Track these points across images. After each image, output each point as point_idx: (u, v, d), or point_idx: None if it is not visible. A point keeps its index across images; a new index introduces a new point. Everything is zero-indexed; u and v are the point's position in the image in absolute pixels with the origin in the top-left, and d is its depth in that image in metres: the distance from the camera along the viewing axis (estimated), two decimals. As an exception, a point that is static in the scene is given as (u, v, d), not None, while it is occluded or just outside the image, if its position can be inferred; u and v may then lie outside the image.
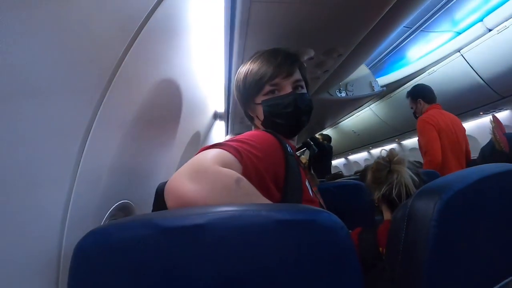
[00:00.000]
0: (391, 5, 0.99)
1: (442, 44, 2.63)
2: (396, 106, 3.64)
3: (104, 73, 0.75)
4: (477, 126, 3.32)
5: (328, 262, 0.39)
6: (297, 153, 0.93)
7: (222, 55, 1.38)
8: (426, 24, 2.30)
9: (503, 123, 1.72)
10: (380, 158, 0.95)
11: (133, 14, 0.77)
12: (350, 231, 0.42)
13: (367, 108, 4.16)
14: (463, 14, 2.26)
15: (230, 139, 0.64)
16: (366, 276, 0.42)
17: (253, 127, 0.92)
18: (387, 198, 0.90)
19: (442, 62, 2.73)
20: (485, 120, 3.18)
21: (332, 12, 1.03)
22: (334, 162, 7.31)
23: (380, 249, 0.83)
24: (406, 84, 3.19)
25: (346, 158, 7.30)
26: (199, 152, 0.59)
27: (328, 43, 1.27)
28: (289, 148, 0.71)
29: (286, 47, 0.85)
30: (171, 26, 1.00)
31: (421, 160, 2.14)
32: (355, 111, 4.30)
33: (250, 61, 0.83)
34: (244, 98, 0.85)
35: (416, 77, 3.06)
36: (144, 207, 1.32)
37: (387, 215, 0.94)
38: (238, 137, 0.65)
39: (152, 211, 1.25)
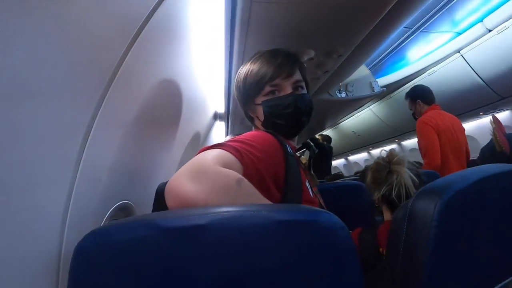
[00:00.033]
0: (391, 6, 0.99)
1: (442, 45, 2.64)
2: (396, 107, 3.65)
3: (105, 73, 0.75)
4: (477, 127, 3.32)
5: (329, 263, 0.39)
6: (297, 153, 0.93)
7: (222, 56, 1.38)
8: (426, 24, 2.30)
9: (503, 124, 1.72)
10: (380, 158, 0.95)
11: (133, 15, 0.77)
12: (350, 231, 0.41)
13: (367, 108, 4.17)
14: (463, 15, 2.26)
15: (230, 140, 0.64)
16: (367, 277, 0.42)
17: (253, 128, 0.92)
18: (386, 199, 0.90)
19: (442, 63, 2.73)
20: (485, 121, 3.18)
21: (332, 13, 1.03)
22: (334, 163, 7.30)
23: (381, 249, 0.83)
24: (406, 85, 3.19)
25: (346, 159, 7.31)
26: (199, 153, 0.59)
27: (328, 44, 1.28)
28: (289, 149, 0.71)
29: (287, 47, 0.85)
30: (172, 26, 1.00)
31: (421, 161, 2.14)
32: (355, 112, 4.31)
33: (250, 61, 0.83)
34: (244, 99, 0.85)
35: (416, 78, 3.06)
36: (145, 207, 1.32)
37: (387, 215, 0.94)
38: (238, 137, 0.65)
39: (152, 211, 1.25)
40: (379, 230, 0.88)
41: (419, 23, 2.29)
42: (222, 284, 0.37)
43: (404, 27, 2.18)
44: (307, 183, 0.74)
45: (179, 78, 1.27)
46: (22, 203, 0.58)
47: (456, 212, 0.54)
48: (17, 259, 0.58)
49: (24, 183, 0.58)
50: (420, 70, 2.90)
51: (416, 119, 2.22)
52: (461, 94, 2.80)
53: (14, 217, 0.56)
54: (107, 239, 0.39)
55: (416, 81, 3.04)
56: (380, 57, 2.85)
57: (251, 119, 0.89)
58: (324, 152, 4.52)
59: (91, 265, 0.38)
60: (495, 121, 1.65)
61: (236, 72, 0.88)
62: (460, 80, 2.70)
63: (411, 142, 4.53)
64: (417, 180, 0.88)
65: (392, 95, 3.52)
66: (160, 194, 1.30)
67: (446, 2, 2.06)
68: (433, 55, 2.73)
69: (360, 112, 4.38)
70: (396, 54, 2.83)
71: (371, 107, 4.08)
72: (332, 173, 4.29)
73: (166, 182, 0.54)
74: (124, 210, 1.14)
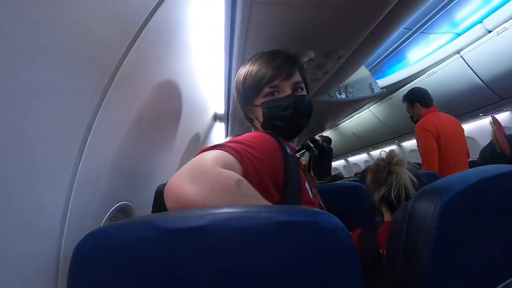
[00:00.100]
0: (391, 7, 0.99)
1: (442, 46, 2.64)
2: (396, 108, 3.65)
3: (104, 73, 0.75)
4: (476, 128, 3.32)
5: (328, 264, 0.39)
6: (296, 154, 0.93)
7: (222, 57, 1.38)
8: (426, 25, 2.31)
9: (503, 125, 1.72)
10: (379, 159, 0.95)
11: (133, 15, 0.77)
12: (350, 232, 0.41)
13: (367, 109, 4.17)
14: (463, 16, 2.27)
15: (230, 140, 0.64)
16: (367, 278, 0.42)
17: (252, 129, 0.92)
18: (386, 199, 0.90)
19: (442, 64, 2.73)
20: (484, 122, 3.18)
21: (332, 14, 1.03)
22: (334, 164, 7.30)
23: (381, 250, 0.83)
24: (406, 86, 3.20)
25: (346, 160, 7.31)
26: (198, 153, 0.59)
27: (328, 45, 1.28)
28: (288, 150, 0.71)
29: (286, 48, 0.85)
30: (172, 27, 1.00)
31: (421, 162, 2.14)
32: (355, 113, 4.30)
33: (250, 62, 0.83)
34: (243, 100, 0.85)
35: (415, 79, 3.07)
36: (144, 208, 1.32)
37: (387, 216, 0.94)
38: (238, 138, 0.65)
39: (152, 212, 1.25)
40: (379, 231, 0.88)
41: (419, 24, 2.30)
42: (221, 286, 0.37)
43: (404, 28, 2.19)
44: (306, 184, 0.74)
45: (179, 79, 1.27)
46: (21, 203, 0.58)
47: (456, 213, 0.53)
48: (17, 259, 0.58)
49: (24, 183, 0.58)
50: (420, 71, 2.90)
51: (414, 122, 2.22)
52: (461, 95, 2.80)
53: (13, 217, 0.56)
54: (106, 239, 0.39)
55: (416, 82, 3.04)
56: (380, 58, 2.86)
57: (251, 120, 0.88)
58: (324, 153, 4.53)
59: (90, 266, 0.38)
60: (495, 122, 1.65)
61: (236, 73, 0.88)
62: (460, 81, 2.71)
63: (411, 143, 4.53)
64: (416, 181, 0.88)
65: (391, 96, 3.53)
66: (159, 195, 1.29)
67: (446, 3, 2.07)
68: (433, 56, 2.74)
69: (360, 113, 4.38)
70: (396, 55, 2.84)
71: (371, 108, 4.08)
72: (332, 174, 4.30)
73: (166, 183, 0.53)
74: (124, 211, 1.14)
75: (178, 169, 0.67)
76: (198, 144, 2.38)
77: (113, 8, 0.67)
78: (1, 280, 0.54)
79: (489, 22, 2.18)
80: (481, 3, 2.14)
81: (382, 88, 2.42)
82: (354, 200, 1.20)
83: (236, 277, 0.37)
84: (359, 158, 6.62)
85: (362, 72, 2.25)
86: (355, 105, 2.52)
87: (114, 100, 0.80)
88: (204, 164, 0.53)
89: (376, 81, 2.39)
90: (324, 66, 1.48)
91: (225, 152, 0.57)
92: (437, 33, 2.47)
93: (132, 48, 0.79)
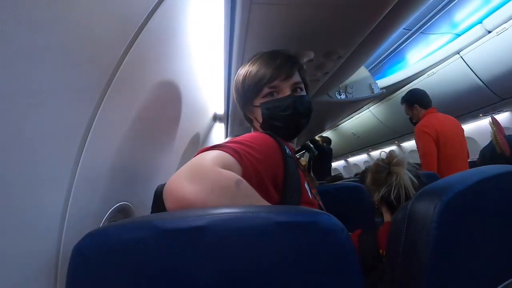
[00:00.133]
0: (391, 7, 1.00)
1: (442, 46, 2.64)
2: (395, 108, 3.64)
3: (104, 73, 0.75)
4: (476, 128, 3.32)
5: (328, 264, 0.39)
6: (296, 155, 0.93)
7: (222, 57, 1.38)
8: (426, 26, 2.31)
9: (503, 125, 1.72)
10: (379, 160, 0.95)
11: (133, 15, 0.77)
12: (350, 233, 0.41)
13: (367, 110, 4.17)
14: (463, 16, 2.27)
15: (229, 141, 0.64)
16: (367, 278, 0.42)
17: (252, 129, 0.92)
18: (386, 200, 0.90)
19: (442, 64, 2.73)
20: (484, 122, 3.18)
21: (332, 14, 1.03)
22: (334, 165, 7.30)
23: (380, 251, 0.83)
24: (406, 86, 3.20)
25: (346, 161, 7.31)
26: (198, 154, 0.59)
27: (328, 45, 1.28)
28: (287, 150, 0.71)
29: (286, 49, 0.84)
30: (171, 27, 1.00)
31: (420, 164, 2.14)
32: (354, 113, 4.30)
33: (249, 63, 0.82)
34: (243, 100, 0.85)
35: (415, 79, 3.07)
36: (143, 209, 1.32)
37: (387, 217, 0.94)
38: (237, 138, 0.65)
39: (151, 213, 1.25)
40: (379, 232, 0.88)
41: (419, 25, 2.30)
42: (221, 286, 0.37)
43: (403, 28, 2.19)
44: (306, 185, 0.74)
45: (178, 79, 1.27)
46: (21, 203, 0.58)
47: (456, 214, 0.53)
48: (16, 259, 0.58)
49: (23, 183, 0.58)
50: (420, 71, 2.90)
51: (413, 123, 2.21)
52: (461, 95, 2.80)
53: (13, 217, 0.56)
54: (106, 240, 0.38)
55: (416, 83, 3.04)
56: (380, 59, 2.86)
57: (250, 121, 0.88)
58: (323, 154, 4.52)
59: (89, 266, 0.38)
60: (494, 122, 1.65)
61: (236, 74, 0.87)
62: (459, 82, 2.71)
63: (411, 144, 4.53)
64: (416, 182, 0.88)
65: (391, 96, 3.53)
66: (158, 195, 1.29)
67: (446, 4, 2.07)
68: (433, 56, 2.74)
69: (360, 114, 4.38)
70: (396, 55, 2.84)
71: (370, 108, 4.08)
72: (332, 175, 4.30)
73: (165, 183, 0.53)
74: (123, 211, 1.14)
75: (177, 169, 0.67)
76: (198, 144, 2.38)
77: (113, 8, 0.67)
78: (1, 280, 0.54)
79: (488, 23, 2.18)
80: (480, 4, 2.14)
81: (382, 88, 2.42)
82: (354, 200, 1.20)
83: (236, 277, 0.37)
84: (359, 159, 6.62)
85: (362, 72, 2.25)
86: (355, 105, 2.52)
87: (113, 100, 0.80)
88: (204, 164, 0.53)
89: (376, 81, 2.39)
90: (324, 66, 1.48)
91: (224, 153, 0.57)
92: (437, 33, 2.48)
93: (132, 48, 0.79)
